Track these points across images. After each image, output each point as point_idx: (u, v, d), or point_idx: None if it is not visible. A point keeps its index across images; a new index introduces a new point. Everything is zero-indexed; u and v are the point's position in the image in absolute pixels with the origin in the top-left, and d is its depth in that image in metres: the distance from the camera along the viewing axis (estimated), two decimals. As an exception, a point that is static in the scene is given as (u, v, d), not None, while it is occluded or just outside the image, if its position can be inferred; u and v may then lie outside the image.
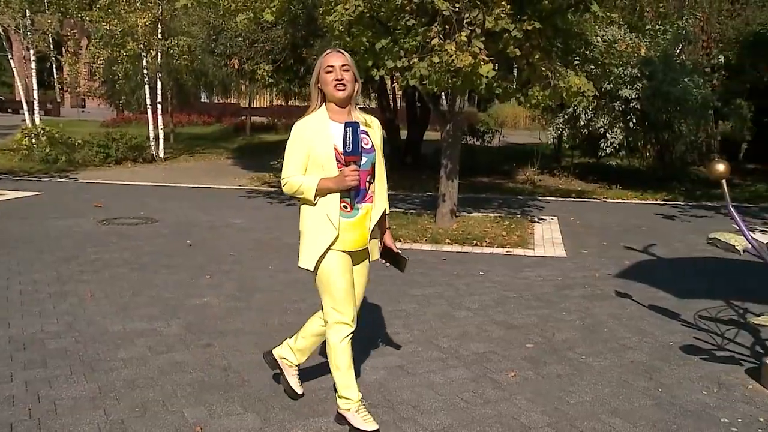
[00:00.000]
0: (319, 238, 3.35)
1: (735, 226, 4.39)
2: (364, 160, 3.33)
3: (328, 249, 3.34)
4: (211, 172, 16.66)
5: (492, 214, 10.37)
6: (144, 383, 4.03)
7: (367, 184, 3.40)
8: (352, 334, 3.44)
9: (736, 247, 4.32)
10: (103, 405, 3.73)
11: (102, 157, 17.09)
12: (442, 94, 9.14)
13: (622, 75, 13.89)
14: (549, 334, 5.11)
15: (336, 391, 3.52)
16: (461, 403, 3.89)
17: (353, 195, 3.33)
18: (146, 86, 19.43)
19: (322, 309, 3.49)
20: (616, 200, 12.94)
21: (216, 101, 41.57)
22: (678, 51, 17.08)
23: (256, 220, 9.82)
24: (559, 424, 3.66)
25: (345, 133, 3.27)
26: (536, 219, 10.24)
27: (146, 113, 19.73)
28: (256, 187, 13.86)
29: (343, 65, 3.33)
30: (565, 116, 15.57)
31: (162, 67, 19.26)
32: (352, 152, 3.27)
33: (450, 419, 3.69)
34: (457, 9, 7.49)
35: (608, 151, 15.09)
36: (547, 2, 8.03)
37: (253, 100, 34.14)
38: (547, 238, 8.85)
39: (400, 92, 22.00)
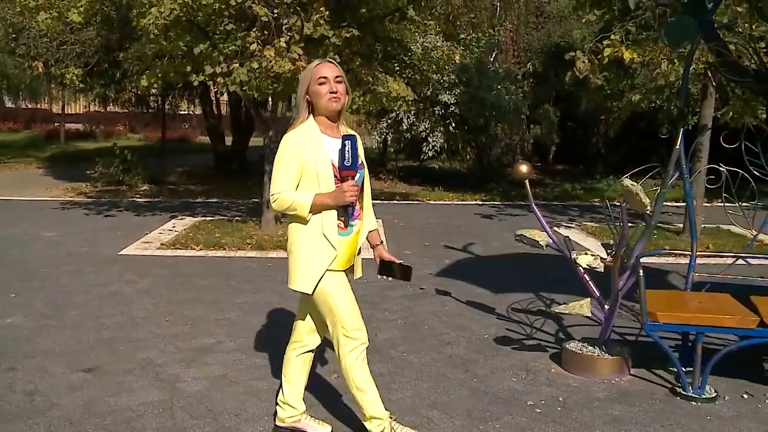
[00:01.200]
0: (317, 258, 3.16)
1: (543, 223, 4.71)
2: (357, 175, 3.18)
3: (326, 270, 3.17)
4: (19, 182, 15.48)
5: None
6: (-65, 415, 3.69)
7: (357, 200, 3.23)
8: (366, 348, 3.29)
9: (540, 243, 4.63)
10: None
11: None
12: (269, 99, 9.09)
13: (441, 81, 14.48)
14: (372, 335, 5.17)
15: (365, 415, 3.32)
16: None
17: (350, 212, 3.20)
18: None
19: (331, 332, 3.27)
20: (438, 201, 13.45)
21: (24, 106, 38.62)
22: (492, 59, 18.09)
23: (71, 233, 9.25)
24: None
25: (344, 146, 3.13)
26: (362, 222, 10.42)
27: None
28: (71, 198, 13.05)
29: (336, 77, 3.15)
30: (389, 121, 16.00)
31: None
32: (351, 167, 3.12)
33: (272, 424, 3.67)
34: (276, 15, 7.48)
35: (430, 154, 15.69)
36: (365, 10, 8.21)
37: (66, 106, 32.06)
38: (372, 240, 9.02)
39: (225, 98, 21.63)
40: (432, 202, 13.39)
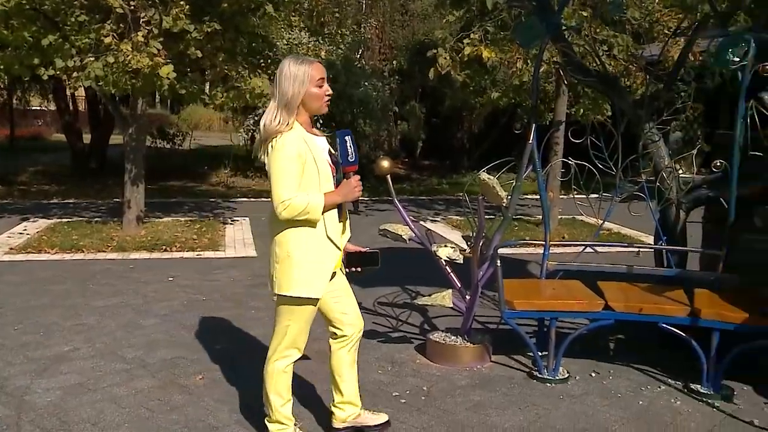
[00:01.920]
0: (323, 261, 3.14)
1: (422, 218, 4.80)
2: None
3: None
4: None
5: (183, 219, 10.16)
6: None
7: None
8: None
9: (403, 236, 4.73)
10: None
11: None
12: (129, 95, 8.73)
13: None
14: (239, 334, 5.15)
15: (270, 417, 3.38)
16: (146, 413, 3.77)
17: (353, 208, 3.17)
18: None
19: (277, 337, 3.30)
20: (307, 198, 13.41)
21: None
22: (358, 56, 18.23)
23: None
24: (247, 420, 3.72)
25: (344, 142, 3.09)
26: (228, 221, 10.25)
27: None
28: None
29: (327, 78, 3.11)
30: (256, 117, 15.77)
31: None
32: (354, 161, 3.10)
33: (133, 431, 3.55)
34: (132, 7, 7.20)
35: (299, 151, 15.59)
36: (226, 5, 8.05)
37: None
38: (238, 239, 8.90)
39: (82, 94, 20.58)
40: (301, 198, 13.34)
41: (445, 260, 4.51)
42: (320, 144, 3.15)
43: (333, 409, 3.58)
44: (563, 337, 4.35)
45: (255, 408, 3.86)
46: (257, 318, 5.52)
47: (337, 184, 3.17)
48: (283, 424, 3.37)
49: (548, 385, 4.29)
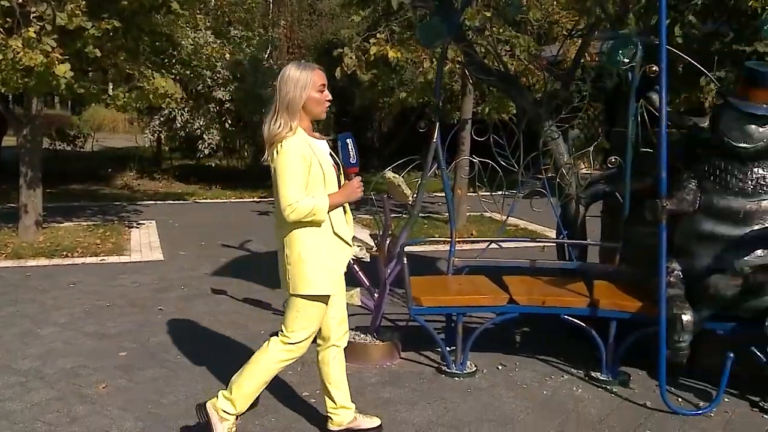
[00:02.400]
0: (334, 258, 3.28)
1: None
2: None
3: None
4: None
5: (85, 223, 9.81)
6: None
7: None
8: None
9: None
10: None
11: None
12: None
13: (215, 77, 14.19)
14: (144, 339, 5.02)
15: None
16: (43, 426, 3.62)
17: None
18: None
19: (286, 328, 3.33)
20: (215, 200, 13.19)
21: None
22: (267, 55, 18.04)
23: None
24: (153, 428, 3.64)
25: (346, 144, 3.23)
26: (134, 224, 9.96)
27: None
28: None
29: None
30: (161, 118, 15.40)
31: None
32: (356, 163, 3.25)
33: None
34: (21, 1, 6.88)
35: (207, 152, 15.31)
36: (126, 2, 7.79)
37: None
38: (144, 242, 8.67)
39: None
40: (209, 201, 13.11)
41: (352, 259, 4.52)
42: (322, 147, 3.26)
43: (329, 414, 3.59)
44: (470, 331, 4.44)
45: (161, 415, 3.78)
46: (164, 322, 5.39)
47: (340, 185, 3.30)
48: (235, 409, 3.36)
49: (456, 379, 4.37)
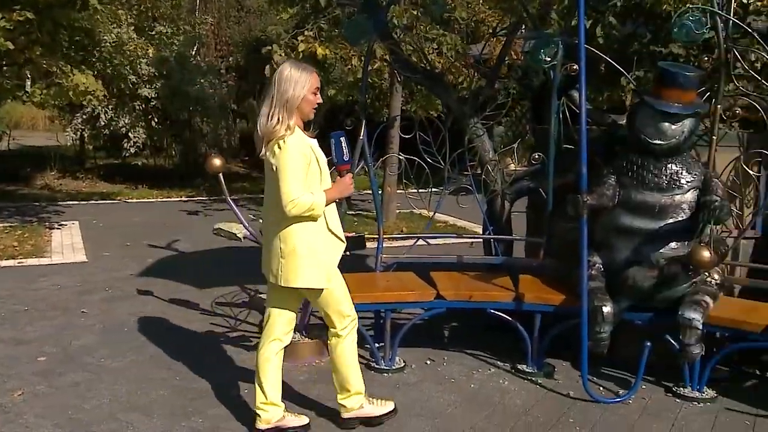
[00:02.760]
0: (329, 253, 3.42)
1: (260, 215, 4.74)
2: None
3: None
4: None
5: (1, 225, 9.44)
6: None
7: None
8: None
9: (237, 235, 4.68)
10: None
11: None
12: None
13: (140, 74, 13.86)
14: (66, 343, 4.87)
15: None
16: (-46, 437, 3.48)
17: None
18: None
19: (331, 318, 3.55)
20: (142, 200, 12.89)
21: None
22: (193, 52, 17.73)
23: None
24: (74, 433, 3.54)
25: (339, 143, 3.38)
26: (55, 225, 9.64)
27: None
28: None
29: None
30: (84, 116, 14.94)
31: None
32: (348, 160, 3.43)
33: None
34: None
35: (132, 150, 14.94)
36: (40, -5, 7.51)
37: None
38: (66, 244, 8.41)
39: None
40: (135, 200, 12.81)
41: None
42: (316, 145, 3.40)
43: (340, 401, 3.65)
44: (399, 327, 4.47)
45: (83, 420, 3.68)
46: (86, 326, 5.26)
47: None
48: (278, 405, 3.56)
49: (385, 375, 4.40)
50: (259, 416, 3.55)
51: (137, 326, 5.27)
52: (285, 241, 3.34)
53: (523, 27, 5.36)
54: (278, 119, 3.23)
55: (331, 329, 3.61)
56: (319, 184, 3.34)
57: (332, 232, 3.44)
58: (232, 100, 17.46)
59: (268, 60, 8.02)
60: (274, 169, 3.25)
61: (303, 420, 3.65)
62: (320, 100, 3.39)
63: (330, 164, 3.46)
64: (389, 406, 3.74)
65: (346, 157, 3.43)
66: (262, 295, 4.72)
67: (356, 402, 3.63)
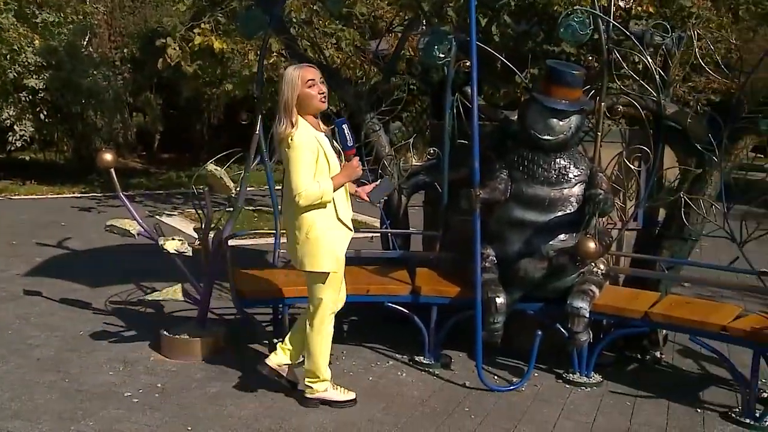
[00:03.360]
0: (337, 239, 3.67)
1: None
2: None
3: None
4: None
5: None
6: None
7: None
8: None
9: (131, 231, 4.55)
10: None
11: None
12: None
13: (25, 64, 13.19)
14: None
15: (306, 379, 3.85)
16: None
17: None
18: None
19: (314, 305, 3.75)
20: (30, 196, 12.31)
21: None
22: (85, 42, 17.02)
23: None
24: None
25: (342, 129, 3.56)
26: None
27: None
28: None
29: (321, 78, 3.60)
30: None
31: None
32: (353, 146, 3.59)
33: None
34: None
35: (19, 144, 14.22)
36: None
37: None
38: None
39: None
40: (23, 197, 12.22)
41: (173, 253, 4.40)
42: (326, 139, 3.64)
43: (307, 383, 3.87)
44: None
45: (-38, 427, 3.49)
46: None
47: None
48: (327, 380, 3.84)
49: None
50: (311, 387, 3.82)
51: (23, 328, 5.04)
52: (300, 230, 3.62)
53: (425, 23, 5.43)
54: (282, 122, 3.53)
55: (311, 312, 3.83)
56: (328, 175, 3.57)
57: (341, 221, 3.69)
58: (127, 93, 16.89)
59: (163, 52, 7.81)
60: (285, 163, 3.56)
61: (350, 395, 3.89)
62: (322, 90, 3.57)
63: (336, 151, 3.69)
64: (351, 395, 3.91)
65: (350, 143, 3.61)
66: (155, 294, 4.60)
67: (322, 387, 3.84)
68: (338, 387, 3.92)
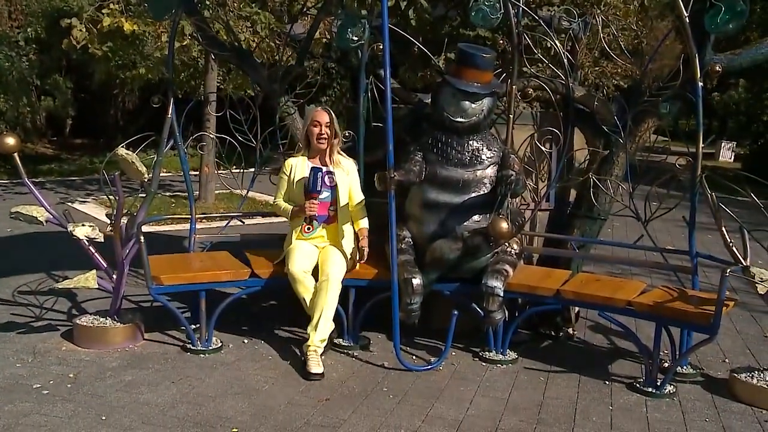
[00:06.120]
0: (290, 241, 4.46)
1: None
2: (324, 194, 4.36)
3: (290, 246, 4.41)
4: None
5: None
6: None
7: (330, 211, 4.43)
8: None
9: (39, 218, 4.39)
10: None
11: None
12: None
13: None
14: None
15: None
16: None
17: (317, 220, 4.39)
18: None
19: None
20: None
21: None
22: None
23: None
24: None
25: (310, 176, 4.24)
26: None
27: None
28: None
29: (327, 122, 4.37)
30: None
31: None
32: (312, 191, 4.26)
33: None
34: None
35: None
36: None
37: None
38: None
39: None
40: None
41: (84, 239, 4.29)
42: (313, 171, 4.27)
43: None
44: (215, 308, 4.41)
45: None
46: None
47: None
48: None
49: (202, 356, 4.34)
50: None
51: None
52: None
53: (343, 5, 5.41)
54: (297, 147, 4.58)
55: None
56: (295, 197, 4.42)
57: (294, 232, 4.48)
58: (34, 75, 16.20)
59: (69, 33, 7.53)
60: None
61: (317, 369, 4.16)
62: (321, 132, 4.34)
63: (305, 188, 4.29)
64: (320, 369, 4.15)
65: (317, 188, 4.25)
66: (65, 282, 4.47)
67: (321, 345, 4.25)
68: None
